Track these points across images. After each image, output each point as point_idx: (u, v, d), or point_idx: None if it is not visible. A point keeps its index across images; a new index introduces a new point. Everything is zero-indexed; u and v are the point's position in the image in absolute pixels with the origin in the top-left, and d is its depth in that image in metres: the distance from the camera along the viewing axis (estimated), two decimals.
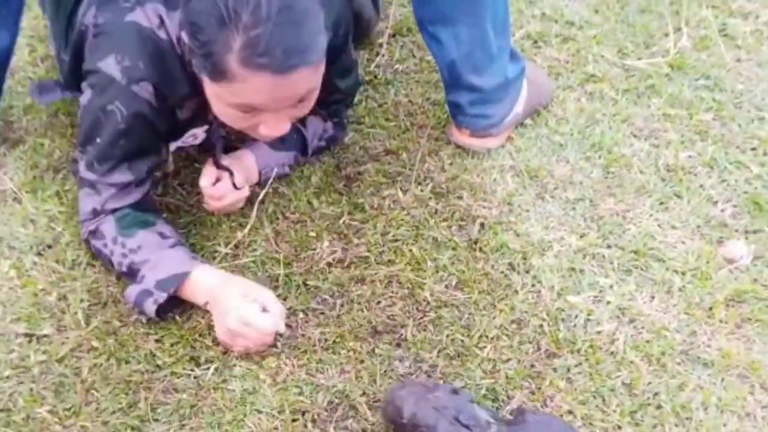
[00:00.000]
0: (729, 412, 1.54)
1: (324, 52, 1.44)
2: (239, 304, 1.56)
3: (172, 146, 1.73)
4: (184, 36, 1.51)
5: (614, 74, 2.08)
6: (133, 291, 1.62)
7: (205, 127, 1.72)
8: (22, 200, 1.84)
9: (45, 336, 1.64)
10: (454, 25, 1.76)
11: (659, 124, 1.98)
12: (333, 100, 1.85)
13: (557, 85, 2.05)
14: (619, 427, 1.52)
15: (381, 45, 2.15)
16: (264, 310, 1.57)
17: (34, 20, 2.19)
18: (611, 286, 1.71)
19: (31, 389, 1.57)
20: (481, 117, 1.89)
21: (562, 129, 1.97)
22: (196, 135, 1.72)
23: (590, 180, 1.88)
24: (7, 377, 1.58)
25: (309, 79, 1.44)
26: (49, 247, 1.76)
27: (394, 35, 2.18)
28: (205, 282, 1.62)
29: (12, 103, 2.00)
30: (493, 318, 1.66)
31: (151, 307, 1.60)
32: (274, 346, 1.62)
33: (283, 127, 1.53)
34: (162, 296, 1.60)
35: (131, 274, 1.65)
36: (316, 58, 1.41)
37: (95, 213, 1.68)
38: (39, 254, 1.75)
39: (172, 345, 1.62)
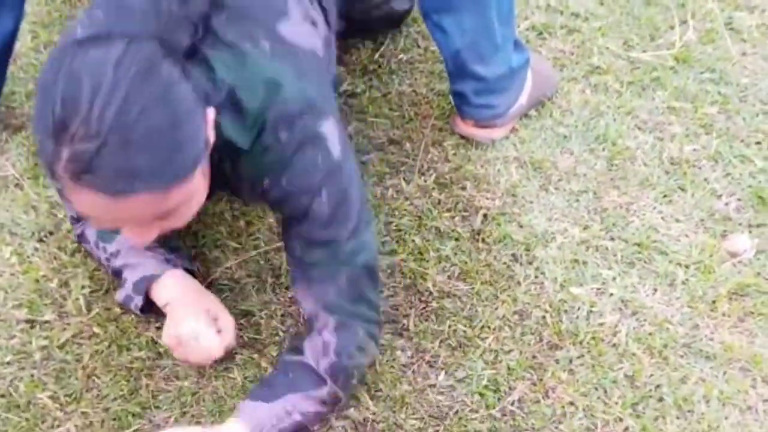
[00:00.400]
0: (731, 405, 1.54)
1: (190, 171, 1.17)
2: (198, 317, 1.50)
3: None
4: None
5: (619, 66, 2.07)
6: (119, 295, 1.61)
7: None
8: (24, 186, 1.83)
9: (46, 322, 1.64)
10: (459, 14, 1.75)
11: (664, 116, 1.97)
12: (302, 259, 1.47)
13: (562, 77, 2.04)
14: (621, 419, 1.52)
15: (385, 35, 2.14)
16: (218, 331, 1.52)
17: (37, 6, 2.18)
18: (614, 279, 1.70)
19: (33, 375, 1.57)
20: (486, 107, 1.88)
21: (566, 121, 1.96)
22: None
23: (594, 172, 1.87)
24: (8, 363, 1.58)
25: (155, 204, 1.15)
26: (51, 233, 1.76)
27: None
28: (172, 286, 1.56)
29: (14, 89, 1.99)
30: (496, 309, 1.66)
31: (136, 310, 1.60)
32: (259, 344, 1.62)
33: (144, 239, 1.26)
34: (139, 300, 1.57)
35: (116, 276, 1.63)
36: (162, 182, 1.13)
37: (76, 219, 1.67)
38: (40, 240, 1.75)
39: None
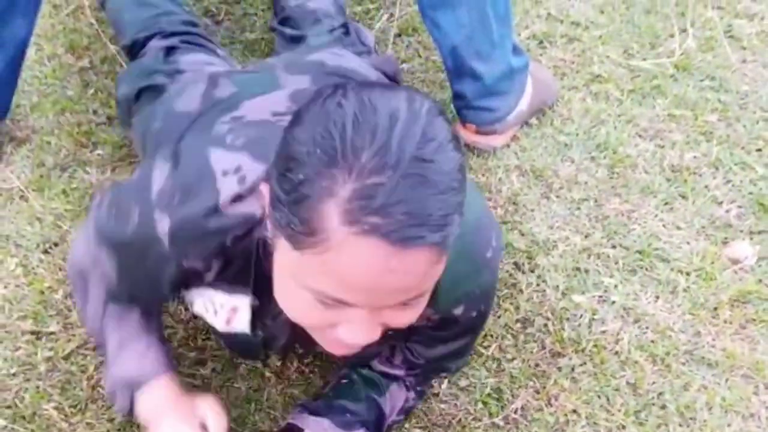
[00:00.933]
0: (733, 412, 1.54)
1: (450, 244, 0.94)
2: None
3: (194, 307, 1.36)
4: (264, 188, 1.03)
5: (619, 75, 2.08)
6: (107, 384, 1.42)
7: (248, 299, 1.26)
8: (29, 198, 1.84)
9: (51, 333, 1.64)
10: (454, 8, 1.77)
11: (664, 124, 1.98)
12: (427, 359, 1.46)
13: (562, 86, 2.05)
14: (623, 427, 1.52)
15: (386, 44, 2.15)
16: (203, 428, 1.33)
17: (41, 18, 2.18)
18: (616, 286, 1.71)
19: (38, 386, 1.57)
20: (486, 110, 1.89)
21: (567, 129, 1.97)
22: (236, 309, 1.29)
23: (595, 180, 1.88)
24: (14, 374, 1.59)
25: (426, 269, 0.93)
26: (56, 245, 1.77)
27: (399, 35, 2.19)
28: (149, 403, 1.37)
29: (19, 102, 2.00)
30: (498, 317, 1.66)
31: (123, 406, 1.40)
32: None
33: (370, 335, 1.01)
34: (125, 406, 1.39)
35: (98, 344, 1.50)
36: (442, 240, 0.91)
37: None
38: (45, 252, 1.76)
39: (177, 344, 1.63)
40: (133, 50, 1.89)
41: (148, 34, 1.87)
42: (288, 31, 1.97)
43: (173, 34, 1.86)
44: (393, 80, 1.69)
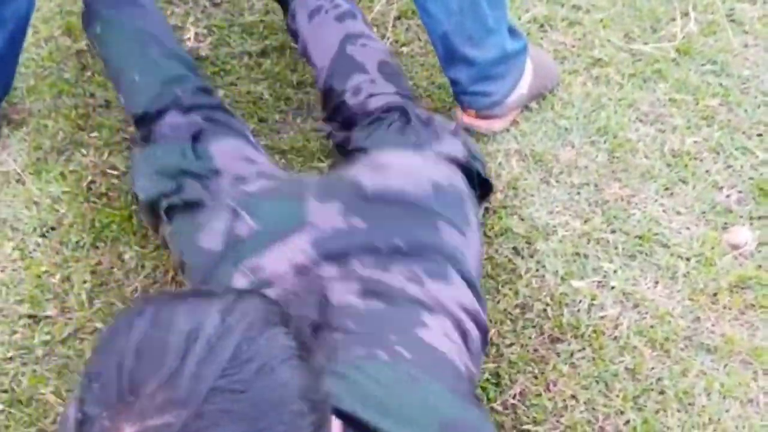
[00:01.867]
0: (732, 398, 1.54)
1: None
2: None
3: None
4: None
5: (620, 59, 2.06)
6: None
7: None
8: (26, 182, 1.83)
9: (48, 317, 1.64)
10: None
11: (665, 109, 1.97)
12: None
13: (563, 69, 2.04)
14: (622, 412, 1.52)
15: (386, 27, 2.14)
16: None
17: (38, 0, 2.18)
18: (615, 271, 1.70)
19: (35, 371, 1.57)
20: (482, 94, 1.87)
21: (567, 113, 1.96)
22: None
23: (595, 165, 1.87)
24: (11, 358, 1.58)
25: None
26: (53, 228, 1.76)
27: (399, 17, 2.17)
28: None
29: (15, 85, 1.99)
30: (497, 302, 1.66)
31: None
32: None
33: None
34: None
35: None
36: None
37: None
38: (42, 236, 1.75)
39: None
40: (144, 122, 1.70)
41: (162, 106, 1.67)
42: (338, 132, 1.79)
43: (193, 108, 1.67)
44: (462, 165, 1.60)
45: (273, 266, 1.34)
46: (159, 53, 1.76)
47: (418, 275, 1.35)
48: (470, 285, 1.41)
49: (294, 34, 1.93)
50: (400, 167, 1.52)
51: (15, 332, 1.62)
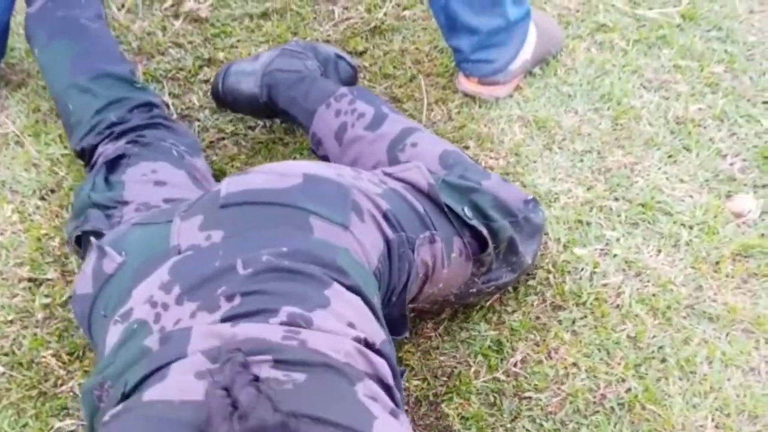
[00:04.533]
0: (733, 366, 1.54)
1: None
2: None
3: None
4: None
5: (625, 24, 2.04)
6: None
7: None
8: (25, 144, 1.82)
9: (49, 280, 1.63)
10: None
11: (669, 75, 1.95)
12: None
13: (567, 35, 2.02)
14: (623, 380, 1.52)
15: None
16: None
17: None
18: (618, 239, 1.70)
19: (35, 334, 1.57)
20: (485, 62, 1.85)
21: (571, 79, 1.94)
22: None
23: (599, 132, 1.86)
24: (11, 321, 1.58)
25: None
26: (52, 191, 1.75)
27: None
28: None
29: (13, 45, 1.97)
30: None
31: None
32: None
33: None
34: None
35: None
36: None
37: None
38: (42, 198, 1.74)
39: None
40: (84, 157, 1.66)
41: (96, 141, 1.62)
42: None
43: (123, 134, 1.60)
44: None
45: (138, 308, 1.14)
46: (88, 78, 1.68)
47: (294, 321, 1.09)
48: (363, 298, 1.18)
49: (318, 154, 1.71)
50: (272, 167, 1.32)
51: (15, 295, 1.61)
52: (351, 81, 1.84)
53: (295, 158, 1.81)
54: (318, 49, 1.83)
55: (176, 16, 2.07)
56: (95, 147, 1.61)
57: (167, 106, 1.88)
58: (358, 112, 1.62)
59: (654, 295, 1.62)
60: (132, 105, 1.65)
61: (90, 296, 1.23)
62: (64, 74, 1.70)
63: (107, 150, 1.56)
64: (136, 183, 1.47)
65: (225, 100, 1.79)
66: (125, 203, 1.43)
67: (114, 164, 1.51)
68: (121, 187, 1.46)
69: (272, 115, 1.80)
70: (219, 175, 1.77)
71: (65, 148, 1.81)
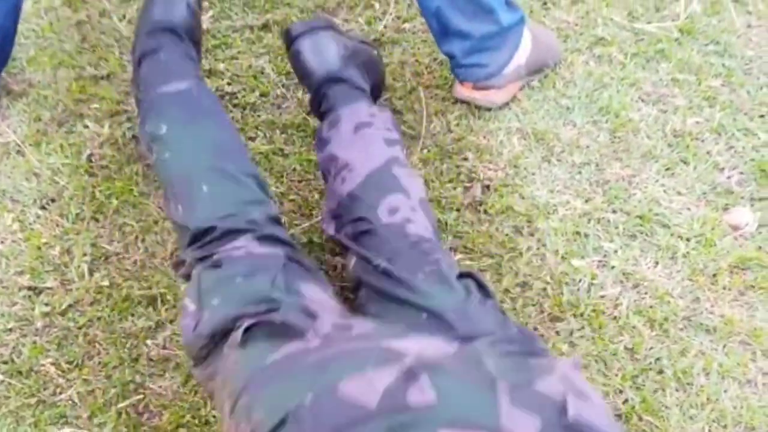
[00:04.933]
0: (730, 378, 1.54)
1: None
2: None
3: None
4: None
5: (623, 38, 2.06)
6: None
7: None
8: (25, 153, 1.82)
9: (48, 289, 1.64)
10: None
11: (667, 89, 1.96)
12: None
13: (565, 48, 2.03)
14: (621, 391, 1.53)
15: (388, 3, 2.13)
16: None
17: None
18: (616, 251, 1.70)
19: (35, 342, 1.57)
20: (478, 66, 1.86)
21: (569, 92, 1.95)
22: None
23: (597, 144, 1.87)
24: (11, 330, 1.58)
25: None
26: (53, 200, 1.76)
27: None
28: None
29: (15, 55, 1.97)
30: (497, 281, 1.66)
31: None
32: None
33: None
34: None
35: None
36: None
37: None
38: (42, 208, 1.75)
39: (175, 299, 1.63)
40: (205, 238, 1.44)
41: (233, 227, 1.42)
42: (351, 245, 1.49)
43: (269, 239, 1.43)
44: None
45: None
46: (236, 169, 1.50)
47: None
48: None
49: (323, 141, 1.64)
50: (599, 402, 1.12)
51: (15, 303, 1.62)
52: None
53: (294, 169, 1.82)
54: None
55: None
56: (231, 234, 1.42)
57: None
58: (388, 127, 1.62)
59: (651, 306, 1.63)
60: (270, 214, 1.48)
61: (367, 412, 1.03)
62: (207, 155, 1.52)
63: (256, 249, 1.40)
64: (315, 301, 1.33)
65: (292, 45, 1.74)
66: (313, 315, 1.27)
67: (286, 269, 1.36)
68: (303, 296, 1.33)
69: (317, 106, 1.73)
70: None
71: (66, 157, 1.81)
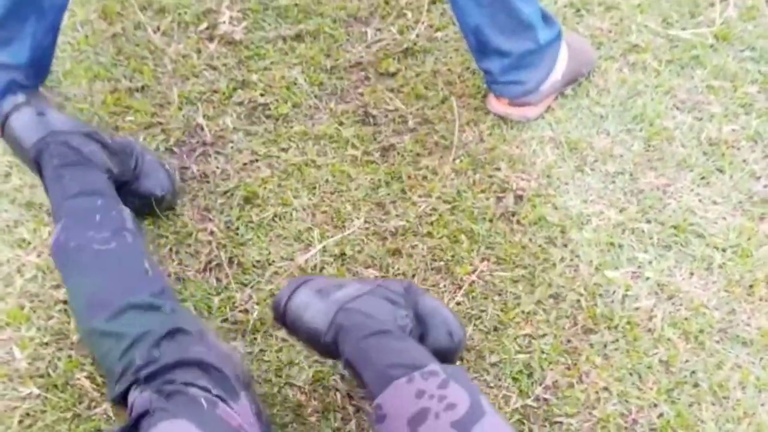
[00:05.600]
0: (767, 391, 1.52)
1: None
2: None
3: None
4: None
5: (658, 44, 2.04)
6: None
7: None
8: None
9: None
10: None
11: (703, 96, 1.94)
12: None
13: (599, 55, 2.02)
14: (655, 405, 1.51)
15: (420, 12, 2.12)
16: None
17: None
18: (650, 262, 1.69)
19: (70, 356, 1.59)
20: (515, 83, 1.86)
21: (603, 100, 1.94)
22: None
23: (631, 153, 1.85)
24: (47, 343, 1.60)
25: None
26: None
27: (434, 2, 2.15)
28: None
29: (52, 68, 1.99)
30: (530, 292, 1.65)
31: None
32: None
33: None
34: None
35: None
36: None
37: None
38: None
39: (209, 311, 1.63)
40: (120, 408, 1.40)
41: (124, 387, 1.34)
42: None
43: (150, 378, 1.33)
44: None
45: None
46: (108, 317, 1.40)
47: None
48: None
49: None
50: None
51: (51, 317, 1.63)
52: (449, 354, 1.53)
53: (327, 180, 1.82)
54: (423, 303, 1.53)
55: (211, 39, 2.09)
56: (125, 394, 1.35)
57: (201, 128, 1.90)
58: (449, 401, 1.23)
59: (686, 318, 1.61)
60: (159, 337, 1.37)
61: None
62: (82, 319, 1.45)
63: (135, 401, 1.32)
64: None
65: (283, 318, 1.49)
66: None
67: (137, 424, 1.26)
68: None
69: (331, 357, 1.49)
70: (251, 197, 1.78)
71: None
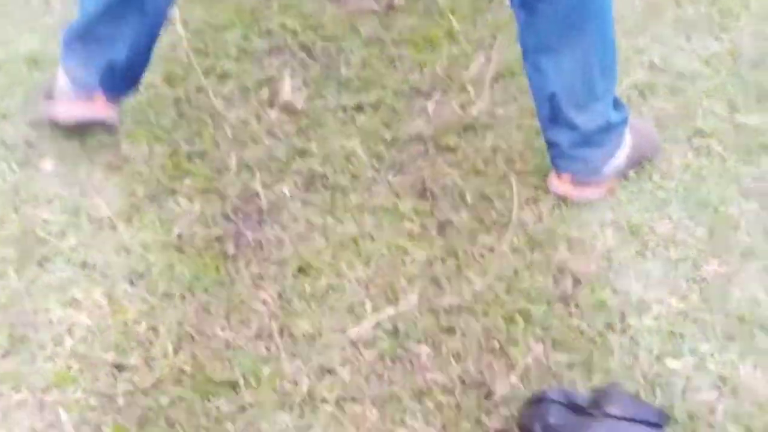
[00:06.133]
0: None
1: None
2: None
3: None
4: None
5: (723, 130, 2.01)
6: None
7: None
8: (117, 228, 1.85)
9: (132, 366, 1.63)
10: (557, 54, 1.73)
11: None
12: None
13: (663, 138, 1.99)
14: None
15: (482, 87, 2.12)
16: None
17: None
18: (712, 354, 1.64)
19: (116, 420, 1.56)
20: (581, 160, 1.84)
21: (666, 184, 1.91)
22: None
23: (694, 239, 1.81)
24: (93, 407, 1.58)
25: None
26: (141, 276, 1.77)
27: (496, 78, 2.15)
28: None
29: (121, 119, 2.01)
30: (587, 378, 1.61)
31: None
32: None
33: None
34: None
35: None
36: None
37: None
38: (131, 283, 1.76)
39: (258, 383, 1.61)
40: None
41: None
42: None
43: None
44: None
45: None
46: None
47: None
48: None
49: None
50: None
51: (98, 380, 1.62)
52: None
53: (382, 254, 1.80)
54: None
55: (271, 106, 2.10)
56: None
57: (257, 195, 1.90)
58: None
59: (750, 414, 1.55)
60: None
61: None
62: None
63: None
64: None
65: None
66: None
67: None
68: None
69: None
70: (305, 267, 1.77)
71: (156, 233, 1.83)
